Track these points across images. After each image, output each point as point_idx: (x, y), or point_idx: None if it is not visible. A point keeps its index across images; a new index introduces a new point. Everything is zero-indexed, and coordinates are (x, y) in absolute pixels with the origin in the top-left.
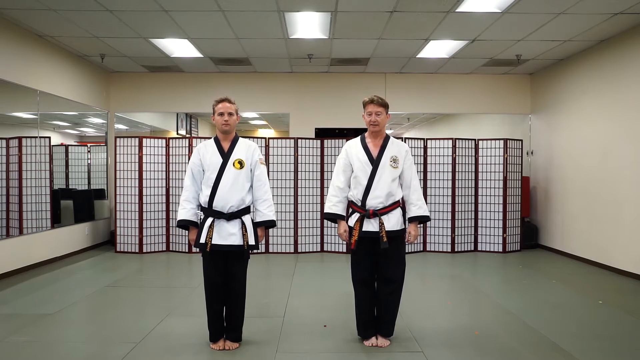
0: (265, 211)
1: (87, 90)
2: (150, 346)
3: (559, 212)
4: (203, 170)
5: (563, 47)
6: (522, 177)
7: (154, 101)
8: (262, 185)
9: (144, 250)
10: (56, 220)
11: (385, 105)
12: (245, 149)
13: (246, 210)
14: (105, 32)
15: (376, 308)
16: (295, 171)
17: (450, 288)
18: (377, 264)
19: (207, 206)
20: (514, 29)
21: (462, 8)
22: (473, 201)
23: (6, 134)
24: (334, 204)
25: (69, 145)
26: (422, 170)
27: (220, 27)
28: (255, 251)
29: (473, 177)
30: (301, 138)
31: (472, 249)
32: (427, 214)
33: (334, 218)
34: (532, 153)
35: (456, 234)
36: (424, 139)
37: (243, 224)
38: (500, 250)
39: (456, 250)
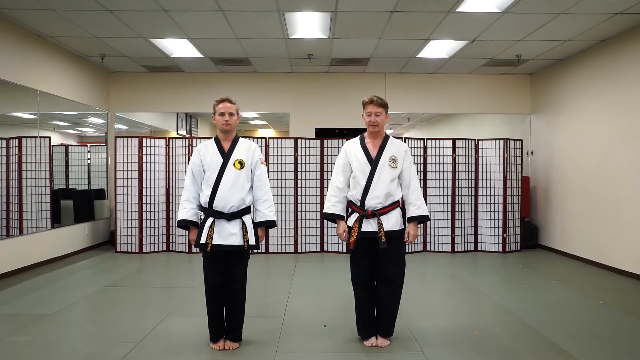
0: (266, 211)
1: (87, 90)
2: (150, 346)
3: (559, 212)
4: (203, 170)
5: (563, 47)
6: (522, 177)
7: (154, 101)
8: (262, 185)
9: (144, 250)
10: (56, 220)
11: (384, 106)
12: (245, 149)
13: (246, 210)
14: (105, 32)
15: (376, 308)
16: (295, 171)
17: (450, 288)
18: (377, 264)
19: (207, 206)
20: (514, 29)
21: (462, 8)
22: (473, 201)
23: (6, 134)
24: (333, 204)
25: (69, 145)
26: (422, 170)
27: (220, 27)
28: (255, 251)
29: (473, 177)
30: (301, 138)
31: (472, 249)
32: (427, 213)
33: (333, 218)
34: (532, 153)
35: (456, 234)
36: (424, 139)
37: (243, 224)
38: (500, 250)
39: (456, 250)
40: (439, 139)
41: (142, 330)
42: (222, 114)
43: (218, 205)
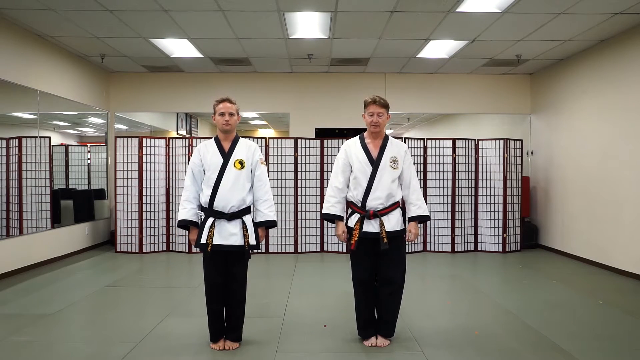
0: (266, 211)
1: (87, 90)
2: (150, 346)
3: (559, 212)
4: (204, 170)
5: (563, 47)
6: (522, 177)
7: (154, 101)
8: (262, 185)
9: (144, 250)
10: (56, 220)
11: (386, 106)
12: (245, 149)
13: (247, 210)
14: (105, 32)
15: (377, 309)
16: (295, 171)
17: (450, 288)
18: (377, 265)
19: (207, 206)
20: (514, 29)
21: (462, 8)
22: (473, 201)
23: (6, 134)
24: (332, 205)
25: (69, 145)
26: (422, 170)
27: (220, 27)
28: (255, 251)
29: (473, 177)
30: (301, 138)
31: (472, 249)
32: (427, 213)
33: (332, 219)
34: (532, 153)
35: (456, 234)
36: (424, 139)
37: (244, 224)
38: (500, 250)
39: (456, 250)
40: (439, 139)
41: (142, 330)
42: (223, 114)
43: (218, 205)
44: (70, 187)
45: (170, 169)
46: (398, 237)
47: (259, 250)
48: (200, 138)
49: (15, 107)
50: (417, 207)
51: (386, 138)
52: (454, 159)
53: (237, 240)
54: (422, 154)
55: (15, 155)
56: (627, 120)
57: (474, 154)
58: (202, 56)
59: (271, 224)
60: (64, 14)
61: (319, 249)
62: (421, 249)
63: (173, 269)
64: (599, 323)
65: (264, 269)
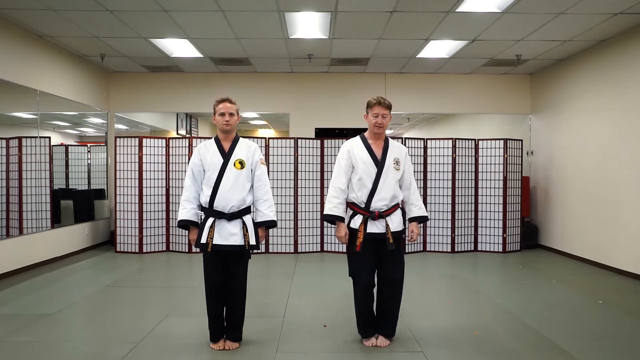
0: (266, 211)
1: (87, 90)
2: (150, 346)
3: (559, 212)
4: (204, 170)
5: (563, 47)
6: (522, 177)
7: (154, 101)
8: (262, 185)
9: (144, 250)
10: (56, 220)
11: (390, 108)
12: (245, 149)
13: (247, 210)
14: (105, 32)
15: (378, 309)
16: (295, 171)
17: (450, 288)
18: (378, 265)
19: (207, 206)
20: (514, 29)
21: (462, 8)
22: (473, 201)
23: (6, 134)
24: (335, 206)
25: (69, 145)
26: (422, 170)
27: (220, 27)
28: (255, 251)
29: (473, 177)
30: (301, 138)
31: (472, 249)
32: (426, 214)
33: (334, 220)
34: (532, 153)
35: (456, 234)
36: (424, 139)
37: (244, 224)
38: (500, 250)
39: (456, 250)
40: (439, 139)
41: (142, 330)
42: (223, 114)
43: (218, 205)
44: (70, 187)
45: (170, 169)
46: (399, 237)
47: (259, 250)
48: (200, 138)
49: (15, 107)
50: (417, 207)
51: (387, 139)
52: (454, 159)
53: (237, 240)
54: (422, 154)
55: (15, 155)
56: (627, 120)
57: (474, 154)
58: (202, 56)
59: (271, 224)
60: (64, 14)
61: (319, 249)
62: (421, 249)
63: (173, 269)
64: (599, 323)
65: (264, 269)
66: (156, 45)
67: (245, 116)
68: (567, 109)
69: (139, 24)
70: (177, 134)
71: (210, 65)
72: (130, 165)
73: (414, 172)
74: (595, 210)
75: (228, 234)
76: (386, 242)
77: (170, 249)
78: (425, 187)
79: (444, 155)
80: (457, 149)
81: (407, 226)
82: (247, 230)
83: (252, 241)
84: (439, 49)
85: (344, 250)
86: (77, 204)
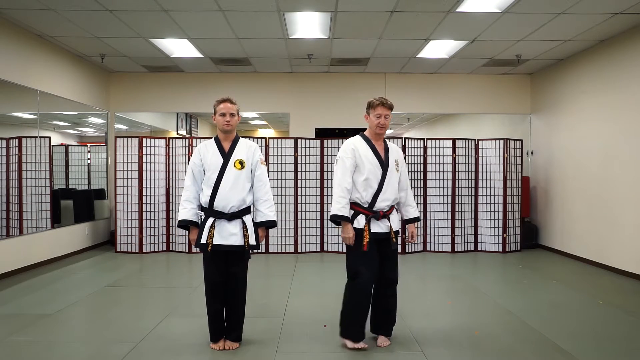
0: (266, 211)
1: (87, 90)
2: (150, 346)
3: (559, 212)
4: (204, 170)
5: (563, 47)
6: (522, 177)
7: (154, 101)
8: (262, 185)
9: (144, 250)
10: (56, 220)
11: (392, 108)
12: (245, 149)
13: (247, 211)
14: (105, 32)
15: (379, 310)
16: (295, 171)
17: (450, 288)
18: (380, 265)
19: (208, 206)
20: (514, 29)
21: (462, 8)
22: (473, 201)
23: (6, 134)
24: (343, 206)
25: (69, 145)
26: (422, 170)
27: (220, 27)
28: (255, 251)
29: (473, 177)
30: (301, 138)
31: (472, 249)
32: (419, 214)
33: (342, 220)
34: (532, 153)
35: (456, 234)
36: (424, 139)
37: (244, 224)
38: (500, 250)
39: (456, 250)
40: (439, 139)
41: (142, 330)
42: (224, 115)
43: (219, 205)
44: (70, 187)
45: (170, 169)
46: (397, 237)
47: (259, 250)
48: (200, 138)
49: (15, 107)
50: (414, 208)
51: (384, 140)
52: (454, 159)
53: (237, 240)
54: (422, 154)
55: (15, 155)
56: (627, 120)
57: (474, 154)
58: (202, 56)
59: (271, 224)
60: (64, 14)
61: (319, 249)
62: (421, 249)
63: (173, 269)
64: (599, 323)
65: (264, 269)
66: (156, 45)
67: (245, 116)
68: (567, 109)
69: (139, 24)
70: (177, 134)
71: (210, 65)
72: (130, 165)
73: (414, 172)
74: (595, 210)
75: (228, 234)
76: (390, 241)
77: (170, 249)
78: (425, 187)
79: (444, 155)
80: (457, 149)
81: (403, 227)
82: (247, 230)
83: (252, 241)
84: (439, 49)
85: (344, 250)
86: (77, 204)
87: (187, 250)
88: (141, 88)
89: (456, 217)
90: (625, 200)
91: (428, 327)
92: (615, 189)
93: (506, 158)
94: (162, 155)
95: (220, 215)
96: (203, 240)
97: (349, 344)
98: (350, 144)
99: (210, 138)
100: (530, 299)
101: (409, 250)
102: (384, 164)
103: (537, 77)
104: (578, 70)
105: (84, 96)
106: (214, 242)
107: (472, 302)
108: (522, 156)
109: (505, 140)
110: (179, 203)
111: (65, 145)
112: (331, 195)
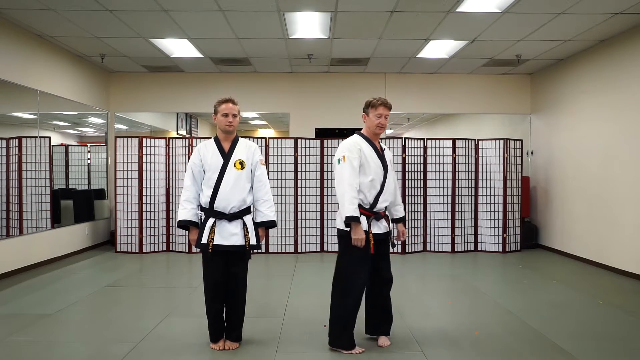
0: (266, 212)
1: (87, 90)
2: (150, 346)
3: (559, 212)
4: (204, 171)
5: (563, 47)
6: (522, 177)
7: (154, 101)
8: (262, 185)
9: (144, 250)
10: (56, 220)
11: (391, 108)
12: (245, 149)
13: (247, 211)
14: (105, 32)
15: (377, 310)
16: (295, 171)
17: (450, 288)
18: (376, 266)
19: (208, 207)
20: (514, 29)
21: (462, 8)
22: (473, 201)
23: (6, 134)
24: (356, 207)
25: (69, 145)
26: (422, 170)
27: (220, 27)
28: (255, 251)
29: (473, 177)
30: (301, 138)
31: (472, 249)
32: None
33: (352, 222)
34: (532, 153)
35: (456, 234)
36: (424, 139)
37: (244, 224)
38: (500, 250)
39: (456, 250)
40: (439, 139)
41: (142, 330)
42: (226, 115)
43: (219, 205)
44: (70, 187)
45: (170, 169)
46: (390, 236)
47: (259, 250)
48: (200, 138)
49: (15, 107)
50: (402, 207)
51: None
52: (454, 159)
53: (238, 240)
54: (422, 154)
55: (15, 155)
56: (628, 120)
57: (474, 154)
58: (202, 56)
59: (271, 224)
60: (64, 14)
61: (319, 249)
62: (421, 249)
63: (173, 269)
64: (599, 323)
65: (264, 269)
66: (156, 45)
67: (245, 116)
68: (567, 109)
69: (139, 24)
70: (177, 134)
71: (210, 65)
72: (130, 165)
73: (414, 172)
74: (595, 210)
75: (229, 234)
76: (388, 242)
77: (170, 249)
78: (425, 187)
79: (444, 155)
80: (457, 149)
81: (394, 226)
82: (247, 231)
83: (253, 241)
84: (439, 49)
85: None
86: (77, 204)
87: (187, 250)
88: (141, 88)
89: (456, 217)
90: (625, 200)
91: (428, 327)
92: (615, 189)
93: (506, 158)
94: (162, 155)
95: (220, 216)
96: (204, 240)
97: (345, 352)
98: (355, 144)
99: (210, 138)
100: (530, 299)
101: (409, 251)
102: (385, 165)
103: (537, 77)
104: (578, 70)
105: (84, 96)
106: (214, 243)
107: (472, 302)
108: (522, 156)
109: (505, 140)
110: (178, 203)
111: (65, 145)
112: (331, 196)
